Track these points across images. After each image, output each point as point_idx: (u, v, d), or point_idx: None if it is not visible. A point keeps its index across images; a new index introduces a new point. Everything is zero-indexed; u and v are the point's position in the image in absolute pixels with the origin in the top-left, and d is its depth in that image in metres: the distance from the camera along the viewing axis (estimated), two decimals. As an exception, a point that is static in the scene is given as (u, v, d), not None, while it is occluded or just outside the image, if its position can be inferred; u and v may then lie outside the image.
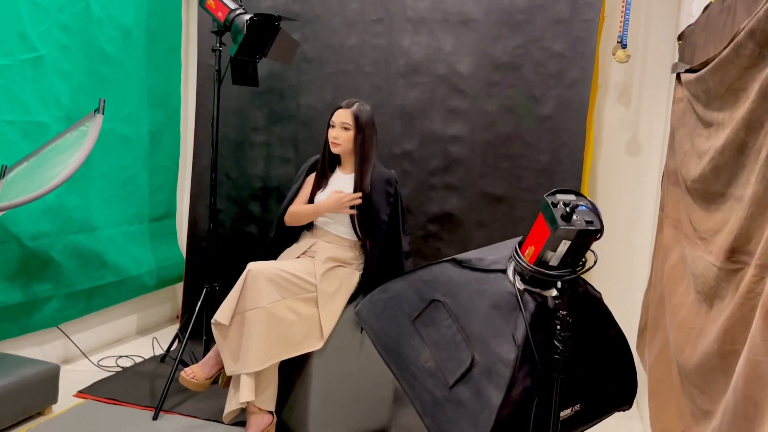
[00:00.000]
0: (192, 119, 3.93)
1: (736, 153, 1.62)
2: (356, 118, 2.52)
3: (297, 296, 2.37)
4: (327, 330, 2.40)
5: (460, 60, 3.18)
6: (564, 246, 1.36)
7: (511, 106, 3.13)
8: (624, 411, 1.70)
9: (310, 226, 2.62)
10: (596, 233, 1.36)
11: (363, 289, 2.56)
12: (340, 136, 2.52)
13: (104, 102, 2.37)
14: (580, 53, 3.02)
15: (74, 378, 3.02)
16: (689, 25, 2.66)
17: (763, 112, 1.38)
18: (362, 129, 2.51)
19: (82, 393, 2.89)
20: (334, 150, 2.55)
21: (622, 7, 2.94)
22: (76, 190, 3.12)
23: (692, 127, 2.37)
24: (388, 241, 2.51)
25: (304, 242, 2.59)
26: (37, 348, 3.08)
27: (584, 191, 3.15)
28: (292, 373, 2.48)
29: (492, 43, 3.14)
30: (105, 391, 2.93)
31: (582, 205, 1.36)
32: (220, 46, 2.93)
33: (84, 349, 3.34)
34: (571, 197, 1.40)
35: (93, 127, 2.29)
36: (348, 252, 2.55)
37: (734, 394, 1.36)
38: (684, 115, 2.56)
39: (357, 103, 2.56)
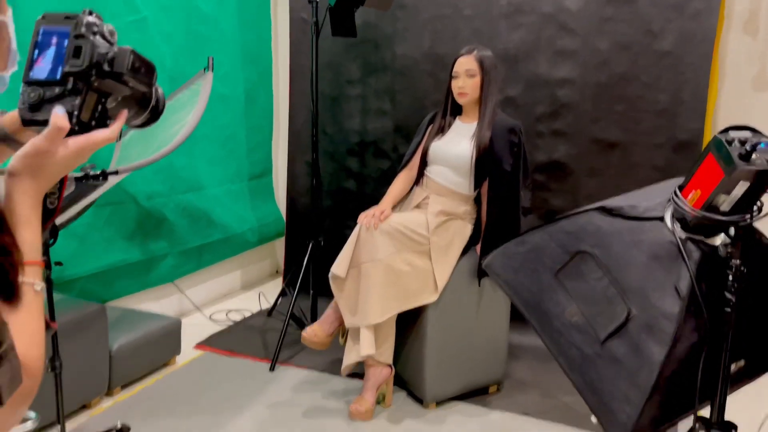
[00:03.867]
0: (282, 76, 3.92)
1: None
2: (481, 63, 2.41)
3: (411, 249, 2.33)
4: (441, 283, 2.36)
5: (569, -5, 2.97)
6: (741, 188, 1.22)
7: (625, 43, 2.90)
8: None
9: (420, 179, 2.55)
10: (779, 173, 1.22)
11: (475, 240, 2.49)
12: (467, 84, 2.42)
13: (212, 60, 2.35)
14: (705, -21, 2.74)
15: (191, 331, 3.14)
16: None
17: None
18: (488, 73, 2.42)
19: (201, 345, 3.01)
20: (461, 100, 2.45)
21: None
22: (182, 151, 3.18)
23: None
24: (506, 193, 2.41)
25: (417, 194, 2.53)
26: (155, 303, 3.23)
27: (707, 133, 2.91)
28: (407, 326, 2.47)
29: (604, -25, 2.90)
30: (221, 343, 3.04)
31: (763, 143, 1.21)
32: (318, -2, 2.86)
33: (196, 303, 3.48)
34: (747, 134, 1.26)
35: (204, 85, 2.29)
36: (461, 206, 2.47)
37: None
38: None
39: (476, 49, 2.45)
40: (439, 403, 2.48)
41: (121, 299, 2.97)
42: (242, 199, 3.74)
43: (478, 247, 2.51)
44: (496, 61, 2.50)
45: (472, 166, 2.43)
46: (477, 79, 2.42)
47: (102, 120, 0.71)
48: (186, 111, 2.28)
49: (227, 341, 3.07)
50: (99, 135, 0.69)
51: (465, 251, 2.49)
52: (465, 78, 2.42)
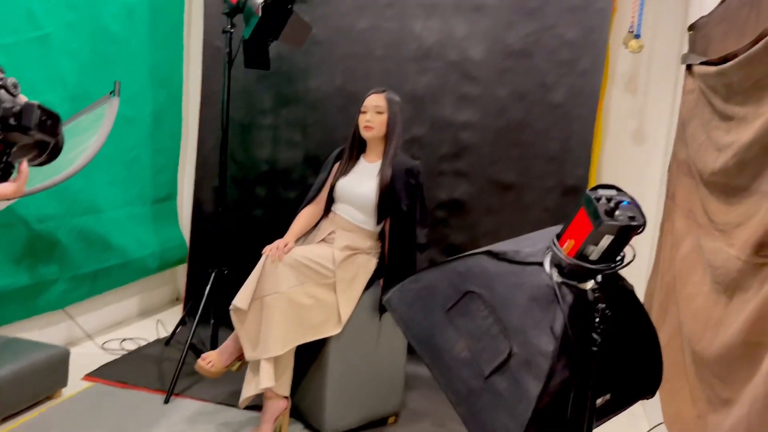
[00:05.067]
0: (193, 100, 3.88)
1: (766, 148, 1.65)
2: (389, 103, 2.55)
3: (315, 282, 2.38)
4: (345, 315, 2.41)
5: (473, 46, 3.17)
6: (606, 241, 1.38)
7: (522, 93, 3.13)
8: (647, 399, 1.74)
9: (328, 213, 2.62)
10: (638, 228, 1.38)
11: (378, 275, 2.57)
12: (374, 119, 2.53)
13: (119, 84, 2.32)
14: (592, 42, 3.03)
15: (80, 361, 3.00)
16: (702, 17, 2.68)
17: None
18: (394, 114, 2.55)
19: (90, 376, 2.88)
20: (366, 134, 2.55)
21: (636, -4, 2.95)
22: (81, 172, 3.06)
23: (707, 119, 2.40)
24: (403, 231, 2.52)
25: (323, 229, 2.58)
26: (41, 331, 3.05)
27: (592, 180, 3.18)
28: (308, 357, 2.49)
29: (505, 30, 3.13)
30: (113, 374, 2.92)
31: (625, 201, 1.38)
32: (232, 28, 2.89)
33: (87, 331, 3.32)
34: (612, 192, 1.42)
35: (109, 110, 2.25)
36: (366, 241, 2.55)
37: (766, 385, 1.40)
38: (696, 106, 2.58)
39: (386, 91, 2.59)
40: (338, 434, 2.52)
41: (4, 327, 2.79)
42: (144, 223, 3.63)
43: (381, 281, 2.60)
44: (403, 104, 2.64)
45: (375, 205, 2.52)
46: (384, 117, 2.54)
47: (6, 170, 0.72)
48: (87, 135, 2.23)
49: (120, 372, 2.95)
50: (5, 190, 0.71)
51: (369, 284, 2.56)
52: (373, 113, 2.53)
